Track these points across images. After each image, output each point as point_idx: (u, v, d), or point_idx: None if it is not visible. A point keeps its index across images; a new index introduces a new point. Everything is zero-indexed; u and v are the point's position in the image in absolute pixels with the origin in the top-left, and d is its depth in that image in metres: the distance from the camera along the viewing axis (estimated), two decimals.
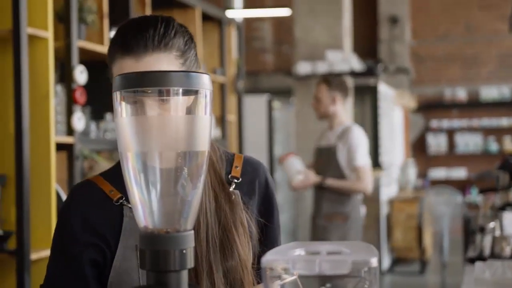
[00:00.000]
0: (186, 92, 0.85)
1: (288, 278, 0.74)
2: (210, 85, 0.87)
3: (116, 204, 1.19)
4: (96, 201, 1.21)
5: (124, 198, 1.18)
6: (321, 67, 5.59)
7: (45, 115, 2.66)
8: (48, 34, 2.67)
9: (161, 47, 1.13)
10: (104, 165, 3.06)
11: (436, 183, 9.23)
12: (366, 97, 7.23)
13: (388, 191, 7.33)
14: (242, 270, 1.18)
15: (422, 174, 9.69)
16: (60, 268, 1.20)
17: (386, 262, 6.90)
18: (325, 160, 3.83)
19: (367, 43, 9.56)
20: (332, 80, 3.91)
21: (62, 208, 1.24)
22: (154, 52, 1.13)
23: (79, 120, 2.90)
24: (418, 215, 6.99)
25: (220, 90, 4.68)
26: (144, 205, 0.85)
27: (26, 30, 2.56)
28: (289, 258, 0.74)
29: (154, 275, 0.84)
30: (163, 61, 1.14)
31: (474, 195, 9.41)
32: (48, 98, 2.67)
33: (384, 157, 7.33)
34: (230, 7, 6.27)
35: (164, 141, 0.85)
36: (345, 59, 5.67)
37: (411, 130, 9.63)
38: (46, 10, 2.66)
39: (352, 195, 3.79)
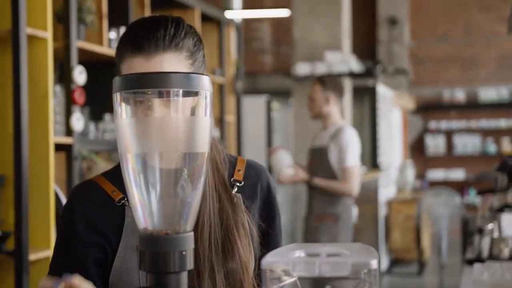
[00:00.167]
0: (186, 94, 0.85)
1: (288, 280, 0.74)
2: (211, 87, 0.87)
3: (118, 204, 1.19)
4: (98, 201, 1.21)
5: (126, 199, 1.18)
6: (320, 68, 5.59)
7: (44, 116, 2.66)
8: (47, 34, 2.66)
9: (172, 47, 1.14)
10: (102, 165, 3.05)
11: (434, 184, 9.23)
12: (365, 98, 7.23)
13: (387, 192, 7.33)
14: (243, 271, 1.18)
15: (420, 175, 9.70)
16: (64, 268, 1.19)
17: (384, 263, 6.90)
18: (317, 160, 3.84)
19: (366, 44, 9.56)
20: (326, 80, 3.93)
21: (65, 208, 1.24)
22: (165, 52, 1.13)
23: (78, 121, 2.89)
24: (416, 216, 7.00)
25: (219, 91, 4.68)
26: (144, 206, 0.85)
27: (25, 30, 2.56)
28: (289, 260, 0.74)
29: (154, 277, 0.84)
30: (173, 61, 1.14)
31: (472, 196, 9.42)
32: (47, 99, 2.67)
33: (383, 158, 7.33)
34: (229, 7, 6.26)
35: (164, 142, 0.85)
36: (344, 60, 5.67)
37: (409, 131, 9.64)
38: (45, 11, 2.66)
39: (343, 196, 3.78)
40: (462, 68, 9.88)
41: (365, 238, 6.36)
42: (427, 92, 9.94)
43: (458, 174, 9.81)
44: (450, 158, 9.88)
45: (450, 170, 9.86)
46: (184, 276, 0.85)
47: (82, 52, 3.00)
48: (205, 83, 0.86)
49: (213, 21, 4.66)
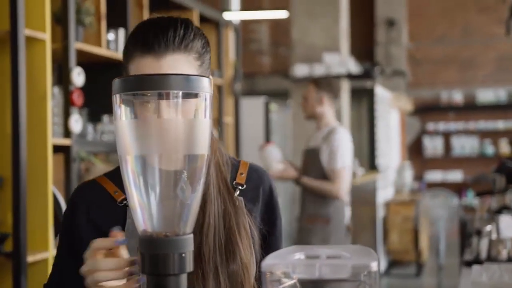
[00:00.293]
0: (186, 96, 0.85)
1: (288, 283, 0.74)
2: (210, 89, 0.87)
3: (120, 205, 1.19)
4: (100, 201, 1.21)
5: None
6: (318, 70, 5.59)
7: (42, 117, 2.66)
8: (46, 35, 2.66)
9: (181, 48, 1.14)
10: (101, 167, 3.05)
11: (432, 185, 9.24)
12: (363, 99, 7.23)
13: (385, 194, 7.33)
14: (244, 274, 1.18)
15: (418, 177, 9.70)
16: (69, 267, 1.19)
17: (383, 265, 6.90)
18: (310, 161, 3.85)
19: (364, 45, 9.57)
20: (320, 81, 3.96)
21: (67, 207, 1.24)
22: (174, 52, 1.13)
23: (76, 122, 2.89)
24: (414, 217, 7.00)
25: (217, 92, 4.68)
26: (144, 209, 0.85)
27: (24, 31, 2.56)
28: (289, 262, 0.74)
29: (154, 279, 0.84)
30: (183, 61, 1.14)
31: (470, 198, 9.43)
32: (46, 100, 2.66)
33: (381, 160, 7.33)
34: (227, 9, 6.26)
35: (164, 144, 0.85)
36: (342, 61, 5.67)
37: (407, 133, 9.64)
38: (44, 12, 2.66)
39: (334, 197, 3.77)
40: (460, 70, 9.89)
41: (363, 239, 6.37)
42: (425, 94, 9.95)
43: (456, 175, 9.81)
44: (448, 160, 9.88)
45: (448, 171, 9.87)
46: (183, 278, 0.84)
47: (80, 53, 3.00)
48: (205, 85, 0.86)
49: (211, 23, 4.66)
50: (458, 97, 9.80)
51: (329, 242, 3.75)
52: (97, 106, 3.18)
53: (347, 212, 3.96)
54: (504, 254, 2.42)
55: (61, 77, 2.95)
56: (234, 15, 5.48)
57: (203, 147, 0.86)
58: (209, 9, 4.55)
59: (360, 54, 8.30)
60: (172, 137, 0.85)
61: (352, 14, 6.67)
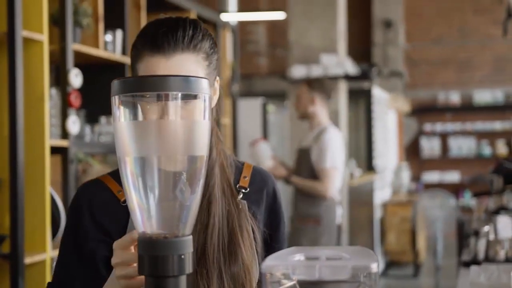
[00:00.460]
0: (185, 97, 0.85)
1: (288, 284, 0.74)
2: (209, 90, 0.87)
3: (123, 204, 1.19)
4: (103, 200, 1.20)
5: None
6: (316, 71, 5.60)
7: (40, 118, 2.65)
8: (43, 37, 2.66)
9: (190, 48, 1.14)
10: (98, 168, 3.05)
11: (429, 186, 9.25)
12: (360, 100, 7.24)
13: (382, 195, 7.33)
14: (245, 275, 1.18)
15: (415, 178, 9.71)
16: (74, 267, 1.18)
17: (380, 266, 6.89)
18: (302, 161, 3.85)
19: (361, 46, 9.58)
20: (313, 81, 3.99)
21: (71, 206, 1.24)
22: (183, 52, 1.13)
23: (73, 124, 2.89)
24: (411, 218, 7.00)
25: None
26: (143, 210, 0.85)
27: (21, 33, 2.55)
28: (288, 264, 0.74)
29: (153, 281, 0.84)
30: (192, 61, 1.14)
31: (467, 199, 9.44)
32: (43, 101, 2.66)
33: (378, 161, 7.34)
34: (224, 10, 6.26)
35: (163, 145, 0.85)
36: (339, 62, 5.68)
37: (404, 134, 9.65)
38: (41, 13, 2.66)
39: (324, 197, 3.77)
40: (457, 71, 9.90)
41: (361, 240, 6.37)
42: (422, 95, 9.96)
43: (453, 176, 9.83)
44: (445, 161, 9.90)
45: (445, 172, 9.88)
46: (183, 280, 0.84)
47: (78, 54, 2.99)
48: (204, 86, 0.86)
49: (209, 24, 4.66)
50: (455, 98, 9.81)
51: (320, 243, 3.73)
52: (95, 108, 3.18)
53: (339, 212, 3.95)
54: (502, 254, 2.42)
55: (59, 78, 2.95)
56: (232, 16, 5.48)
57: (202, 148, 0.86)
58: (207, 10, 4.55)
59: (357, 55, 8.30)
60: (171, 139, 0.85)
61: (349, 15, 6.68)
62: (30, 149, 2.62)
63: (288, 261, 0.75)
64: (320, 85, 3.91)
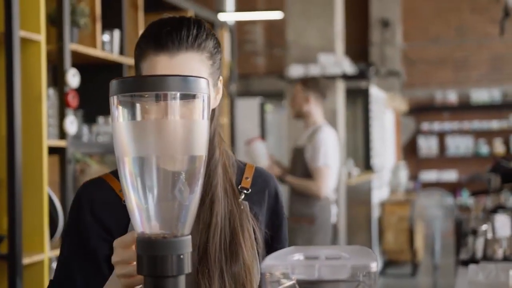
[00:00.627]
0: (184, 97, 0.85)
1: (287, 283, 0.74)
2: (208, 89, 0.87)
3: (125, 204, 1.19)
4: (105, 199, 1.20)
5: None
6: (313, 70, 5.60)
7: (38, 119, 2.65)
8: (41, 37, 2.65)
9: (195, 47, 1.14)
10: (96, 168, 3.04)
11: (427, 185, 9.26)
12: (358, 100, 7.24)
13: (380, 194, 7.34)
14: (246, 275, 1.18)
15: (413, 177, 9.72)
16: (76, 265, 1.18)
17: (378, 265, 6.90)
18: (297, 161, 3.85)
19: (358, 46, 9.58)
20: (308, 80, 4.00)
21: (73, 204, 1.23)
22: (188, 51, 1.14)
23: (71, 124, 2.88)
24: (409, 217, 7.01)
25: None
26: (142, 210, 0.85)
27: (19, 33, 2.55)
28: (288, 263, 0.74)
29: (152, 281, 0.84)
30: (196, 60, 1.15)
31: (465, 198, 9.45)
32: (41, 101, 2.66)
33: (376, 160, 7.34)
34: (222, 10, 6.26)
35: (161, 145, 0.85)
36: (337, 62, 5.68)
37: (402, 133, 9.66)
38: (39, 13, 2.65)
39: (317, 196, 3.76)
40: (454, 70, 9.91)
41: (359, 239, 6.37)
42: (420, 94, 9.97)
43: (450, 175, 9.84)
44: (442, 160, 9.91)
45: (442, 171, 9.89)
46: (182, 280, 0.84)
47: (75, 54, 2.99)
48: (203, 86, 0.86)
49: (207, 24, 4.66)
50: (452, 97, 9.82)
51: (314, 242, 3.71)
52: (92, 108, 3.18)
53: (334, 211, 3.94)
54: (499, 253, 2.43)
55: (56, 78, 2.95)
56: (229, 16, 5.48)
57: (201, 148, 0.86)
58: (204, 10, 4.54)
59: (355, 54, 8.31)
60: (170, 139, 0.85)
61: (346, 14, 6.68)
62: (27, 149, 2.62)
63: (288, 261, 0.76)
64: (315, 84, 3.92)
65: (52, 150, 2.82)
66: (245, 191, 1.25)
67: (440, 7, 9.85)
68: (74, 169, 2.94)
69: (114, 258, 0.97)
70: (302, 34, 5.78)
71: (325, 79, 4.95)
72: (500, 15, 5.34)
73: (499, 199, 3.44)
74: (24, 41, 2.62)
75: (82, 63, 3.14)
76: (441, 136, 9.90)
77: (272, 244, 1.27)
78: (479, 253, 2.47)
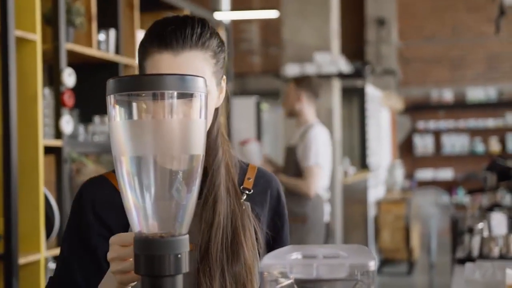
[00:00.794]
0: (181, 96, 0.84)
1: (285, 282, 0.74)
2: (205, 88, 0.87)
3: None
4: (106, 197, 1.20)
5: None
6: (309, 69, 5.60)
7: (33, 118, 2.64)
8: (36, 36, 2.65)
9: (199, 45, 1.15)
10: (92, 168, 3.04)
11: (423, 184, 9.27)
12: (354, 98, 7.25)
13: (376, 193, 7.35)
14: (247, 275, 1.18)
15: (409, 175, 9.74)
16: (77, 263, 1.18)
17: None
18: (289, 159, 3.85)
19: (354, 44, 9.59)
20: (300, 79, 4.02)
21: (75, 201, 1.23)
22: (191, 49, 1.14)
23: (67, 123, 2.88)
24: (405, 216, 7.02)
25: None
26: (139, 210, 0.85)
27: (14, 32, 2.54)
28: (286, 262, 0.74)
29: (149, 280, 0.83)
30: (200, 59, 1.15)
31: (461, 196, 9.47)
32: (36, 101, 2.65)
33: (372, 159, 7.35)
34: (217, 9, 6.25)
35: (159, 144, 0.85)
36: (333, 61, 5.68)
37: (398, 132, 9.68)
38: (34, 13, 2.65)
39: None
40: (450, 68, 9.93)
41: (355, 238, 6.38)
42: (415, 92, 9.98)
43: (446, 173, 9.86)
44: (438, 158, 9.93)
45: (438, 169, 9.91)
46: (179, 279, 0.84)
47: (71, 54, 2.98)
48: (200, 85, 0.86)
49: None
50: (448, 95, 9.84)
51: (306, 241, 3.70)
52: (88, 107, 3.17)
53: (327, 210, 3.93)
54: (496, 251, 2.43)
55: (52, 78, 2.94)
56: (225, 15, 5.47)
57: (198, 147, 0.86)
58: (200, 9, 4.54)
59: (350, 53, 8.31)
60: (167, 138, 0.85)
61: (342, 13, 6.68)
62: (23, 149, 2.61)
63: (286, 260, 0.75)
64: (308, 83, 3.93)
65: (48, 150, 2.82)
66: (247, 192, 1.25)
67: (436, 5, 9.87)
68: (70, 168, 2.93)
69: (110, 255, 0.97)
70: (298, 33, 5.78)
71: (318, 78, 4.95)
72: (495, 14, 5.35)
73: (495, 197, 3.44)
74: (20, 40, 2.61)
75: (78, 62, 3.14)
76: (437, 134, 9.92)
77: (273, 244, 1.27)
78: (475, 252, 2.47)
